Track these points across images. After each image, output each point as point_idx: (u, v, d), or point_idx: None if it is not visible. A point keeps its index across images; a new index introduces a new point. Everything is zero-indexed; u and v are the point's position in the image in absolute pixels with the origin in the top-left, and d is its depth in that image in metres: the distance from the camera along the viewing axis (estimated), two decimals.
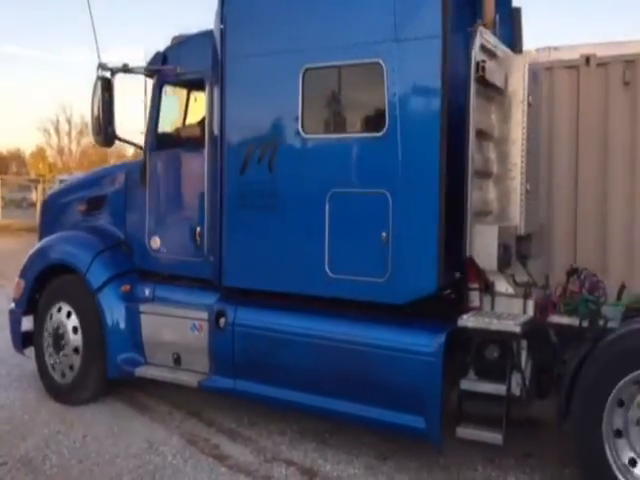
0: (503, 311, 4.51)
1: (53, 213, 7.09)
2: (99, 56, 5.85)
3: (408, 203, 4.43)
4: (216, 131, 5.26)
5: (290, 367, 4.92)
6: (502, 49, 4.89)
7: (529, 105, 4.64)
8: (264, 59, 5.00)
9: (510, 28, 5.62)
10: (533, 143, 4.86)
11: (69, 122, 56.80)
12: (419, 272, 4.37)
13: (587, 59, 6.53)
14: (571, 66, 6.67)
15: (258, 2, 5.19)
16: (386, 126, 4.48)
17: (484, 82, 4.46)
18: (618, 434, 4.00)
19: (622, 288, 4.76)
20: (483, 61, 4.34)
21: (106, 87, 5.69)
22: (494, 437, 4.22)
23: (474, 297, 4.57)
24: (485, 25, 4.95)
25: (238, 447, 5.11)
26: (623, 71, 6.34)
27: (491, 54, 4.65)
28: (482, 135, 4.61)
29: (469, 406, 4.45)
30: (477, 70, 4.30)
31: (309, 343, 4.83)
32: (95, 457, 4.91)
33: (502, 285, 4.54)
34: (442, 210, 4.31)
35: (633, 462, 4.00)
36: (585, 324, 4.26)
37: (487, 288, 4.53)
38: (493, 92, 4.69)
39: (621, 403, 4.00)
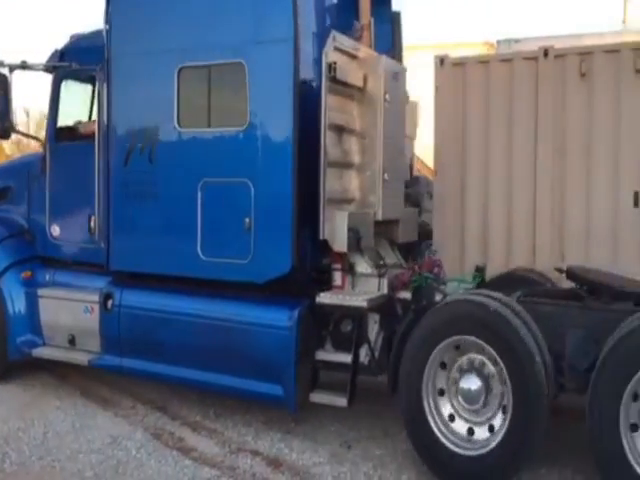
0: (361, 289, 4.95)
1: None
2: None
3: (266, 191, 4.89)
4: (104, 125, 5.68)
5: (168, 344, 5.34)
6: (365, 51, 5.29)
7: (387, 102, 5.07)
8: (144, 58, 5.42)
9: (390, 30, 6.10)
10: (393, 137, 5.29)
11: None
12: (275, 254, 4.84)
13: (545, 51, 6.66)
14: (530, 58, 6.79)
15: (139, 4, 5.59)
16: (247, 121, 4.95)
17: (340, 81, 4.85)
18: (441, 393, 4.46)
19: (478, 269, 5.32)
20: (334, 62, 4.72)
21: (3, 83, 5.99)
22: (340, 401, 4.76)
23: (337, 277, 5.02)
24: (362, 27, 5.54)
25: (203, 439, 5.10)
26: (580, 63, 6.48)
27: (351, 55, 5.06)
28: (341, 129, 5.02)
29: (325, 374, 5.00)
30: (329, 70, 4.69)
31: (184, 321, 5.29)
32: (56, 453, 4.84)
33: (362, 266, 5.01)
34: (295, 197, 4.74)
35: (452, 417, 4.44)
36: (420, 298, 4.73)
37: (350, 268, 4.98)
38: (354, 91, 5.11)
39: (444, 365, 4.45)
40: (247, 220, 4.88)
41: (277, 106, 4.81)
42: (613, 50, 6.42)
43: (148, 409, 5.70)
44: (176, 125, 5.23)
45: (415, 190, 16.95)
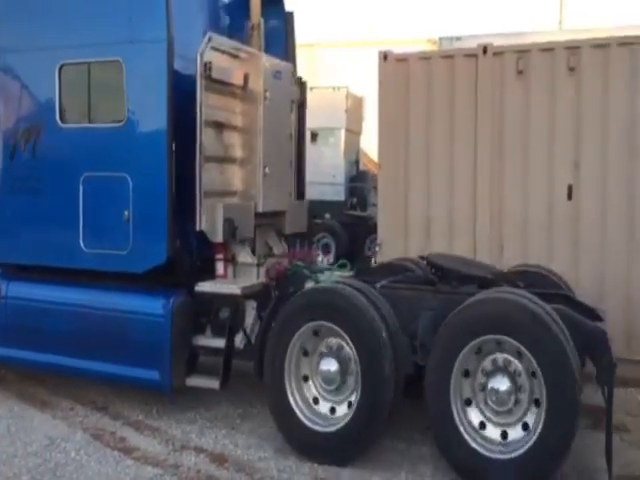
0: (242, 278, 5.14)
1: None
2: None
3: (143, 185, 5.04)
4: None
5: (54, 334, 5.42)
6: (247, 51, 5.41)
7: (268, 100, 5.24)
8: (27, 55, 5.49)
9: (284, 30, 6.30)
10: (274, 133, 5.41)
11: None
12: (152, 245, 5.01)
13: (484, 48, 6.82)
14: (470, 55, 6.95)
15: (20, 2, 5.67)
16: (125, 117, 5.09)
17: (217, 80, 4.98)
18: (305, 379, 4.64)
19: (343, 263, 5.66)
20: (210, 62, 4.85)
21: None
22: (213, 384, 4.95)
23: (219, 266, 5.16)
24: (252, 27, 5.76)
25: (146, 439, 4.95)
26: (517, 60, 6.67)
27: (232, 55, 5.21)
28: (222, 126, 5.19)
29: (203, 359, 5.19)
30: (205, 69, 4.82)
31: (68, 311, 5.39)
32: None
33: (243, 256, 5.18)
34: (170, 191, 4.91)
35: (316, 400, 4.62)
36: (287, 286, 4.97)
37: (232, 259, 5.15)
38: (235, 89, 5.24)
39: (306, 352, 4.63)
40: (126, 213, 5.05)
41: (152, 103, 4.96)
42: (548, 48, 6.65)
43: (88, 410, 5.50)
44: (58, 121, 5.36)
45: (361, 185, 17.09)
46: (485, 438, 4.09)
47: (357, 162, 16.47)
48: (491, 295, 4.36)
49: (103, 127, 5.25)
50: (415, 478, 4.35)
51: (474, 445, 4.04)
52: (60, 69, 5.32)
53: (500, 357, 4.10)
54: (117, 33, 5.14)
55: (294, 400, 4.61)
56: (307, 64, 21.35)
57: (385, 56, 7.24)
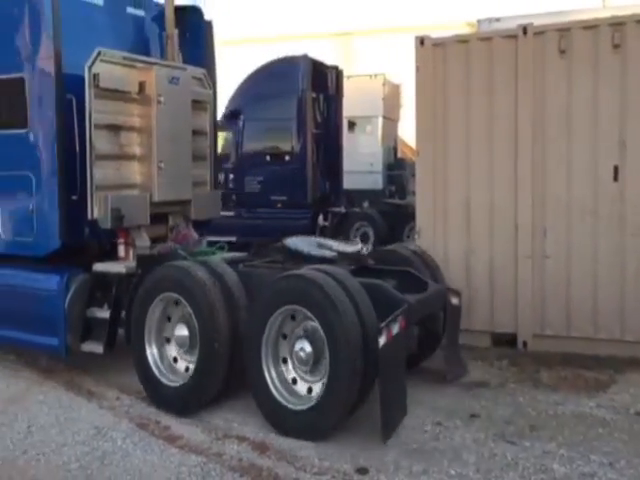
0: None
1: None
2: None
3: (41, 182, 5.97)
4: None
5: None
6: (143, 60, 6.19)
7: (162, 104, 6.06)
8: None
9: (203, 38, 7.18)
10: (170, 132, 6.20)
11: None
12: (49, 233, 5.95)
13: (524, 29, 6.62)
14: (510, 36, 6.76)
15: None
16: (28, 124, 5.99)
17: (108, 88, 5.78)
18: (167, 340, 5.49)
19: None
20: (98, 73, 5.66)
21: None
22: (98, 348, 5.82)
23: (120, 249, 6.07)
24: (167, 37, 6.68)
25: (189, 427, 5.04)
26: (559, 39, 6.45)
27: (127, 65, 6.01)
28: (118, 127, 5.99)
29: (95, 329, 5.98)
30: (93, 80, 5.64)
31: None
32: (41, 447, 4.77)
33: (140, 240, 6.08)
34: (62, 187, 5.85)
35: (175, 360, 5.46)
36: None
37: (132, 242, 6.08)
38: (131, 95, 6.05)
39: (169, 318, 5.48)
40: (30, 206, 6.00)
41: (47, 112, 5.86)
42: (592, 26, 6.41)
43: (133, 400, 5.62)
44: None
45: (399, 172, 16.91)
46: (292, 392, 4.87)
47: (395, 150, 16.31)
48: (297, 272, 4.98)
49: (11, 133, 6.15)
50: (458, 466, 4.30)
51: (279, 398, 4.82)
52: None
53: (309, 324, 4.78)
54: (20, 53, 5.99)
55: (154, 361, 5.46)
56: (343, 53, 21.23)
57: (422, 41, 7.11)
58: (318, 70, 12.43)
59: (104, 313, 5.91)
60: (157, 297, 5.41)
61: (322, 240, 6.44)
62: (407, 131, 14.75)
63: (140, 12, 6.95)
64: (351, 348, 4.48)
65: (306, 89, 11.93)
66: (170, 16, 6.75)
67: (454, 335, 5.81)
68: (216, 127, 7.35)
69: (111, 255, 6.18)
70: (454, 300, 5.79)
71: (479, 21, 12.77)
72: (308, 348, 4.79)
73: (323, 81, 12.59)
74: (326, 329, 4.58)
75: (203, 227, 6.98)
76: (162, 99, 6.07)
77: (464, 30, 15.67)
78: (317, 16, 22.18)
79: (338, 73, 12.95)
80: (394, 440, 4.62)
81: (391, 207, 13.53)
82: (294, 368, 4.93)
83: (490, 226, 6.77)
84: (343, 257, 5.85)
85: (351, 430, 4.83)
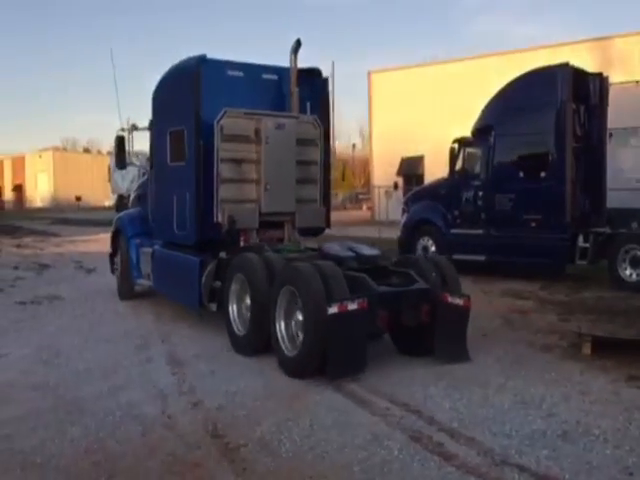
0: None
1: None
2: None
3: (191, 197, 8.84)
4: None
5: None
6: (259, 113, 8.70)
7: (268, 143, 8.58)
8: None
9: (319, 93, 9.52)
10: (275, 163, 8.69)
11: None
12: (191, 231, 8.93)
13: None
14: None
15: None
16: (186, 158, 9.01)
17: (230, 135, 8.46)
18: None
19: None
20: (223, 125, 8.33)
21: (121, 141, 10.85)
22: (213, 307, 8.55)
23: (241, 244, 8.63)
24: (290, 94, 9.06)
25: (462, 447, 4.98)
26: None
27: (247, 118, 8.58)
28: (240, 160, 8.63)
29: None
30: (220, 130, 8.33)
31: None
32: (324, 445, 5.07)
33: (253, 239, 8.80)
34: (200, 200, 8.66)
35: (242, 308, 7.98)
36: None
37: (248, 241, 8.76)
38: (250, 138, 8.61)
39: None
40: (188, 212, 8.95)
41: (190, 151, 8.77)
42: None
43: (403, 411, 5.74)
44: None
45: None
46: (293, 341, 6.90)
47: None
48: (295, 263, 7.02)
49: (178, 165, 9.16)
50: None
51: (282, 346, 6.98)
52: None
53: (299, 300, 6.72)
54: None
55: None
56: (602, 57, 19.59)
57: None
58: (579, 79, 11.67)
59: (219, 284, 8.30)
60: (234, 275, 7.86)
61: (353, 244, 7.95)
62: None
63: (273, 76, 9.22)
64: (314, 312, 6.38)
65: (566, 100, 11.27)
66: (293, 78, 8.97)
67: (450, 329, 6.94)
68: (328, 157, 9.54)
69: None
70: (456, 300, 6.92)
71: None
72: (300, 317, 6.72)
73: (585, 90, 11.78)
74: (302, 299, 6.58)
75: (311, 233, 9.58)
76: (269, 140, 8.53)
77: None
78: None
79: (602, 80, 12.01)
80: None
81: None
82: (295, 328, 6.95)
83: None
84: (360, 258, 7.35)
85: None
